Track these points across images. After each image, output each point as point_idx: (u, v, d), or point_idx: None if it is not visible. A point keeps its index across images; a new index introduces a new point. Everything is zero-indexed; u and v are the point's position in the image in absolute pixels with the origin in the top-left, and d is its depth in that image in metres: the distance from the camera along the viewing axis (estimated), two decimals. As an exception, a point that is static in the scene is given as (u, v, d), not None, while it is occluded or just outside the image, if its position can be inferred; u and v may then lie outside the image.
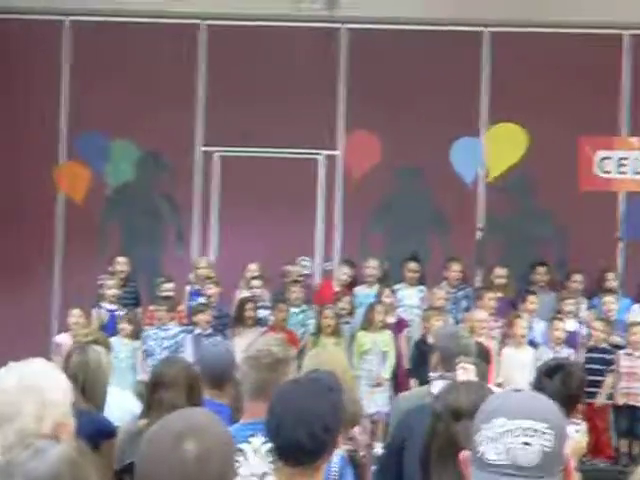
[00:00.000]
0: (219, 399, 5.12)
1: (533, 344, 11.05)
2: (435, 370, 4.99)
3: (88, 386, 4.97)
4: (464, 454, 2.20)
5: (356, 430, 5.54)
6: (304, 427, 3.04)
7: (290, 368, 3.99)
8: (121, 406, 5.37)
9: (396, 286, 11.86)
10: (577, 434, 4.70)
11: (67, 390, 3.13)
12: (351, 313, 11.62)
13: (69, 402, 3.08)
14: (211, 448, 2.16)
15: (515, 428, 2.08)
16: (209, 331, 11.12)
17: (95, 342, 5.89)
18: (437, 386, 4.46)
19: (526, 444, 2.07)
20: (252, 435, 3.83)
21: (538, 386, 4.71)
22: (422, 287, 11.96)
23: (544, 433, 2.09)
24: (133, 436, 4.68)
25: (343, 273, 12.05)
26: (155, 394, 4.74)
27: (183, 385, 4.70)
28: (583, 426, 5.04)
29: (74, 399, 4.74)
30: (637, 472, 3.78)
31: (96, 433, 4.69)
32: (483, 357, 6.76)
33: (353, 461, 4.82)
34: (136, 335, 11.21)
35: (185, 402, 4.63)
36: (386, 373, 11.06)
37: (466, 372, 4.41)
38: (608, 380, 10.85)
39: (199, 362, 5.89)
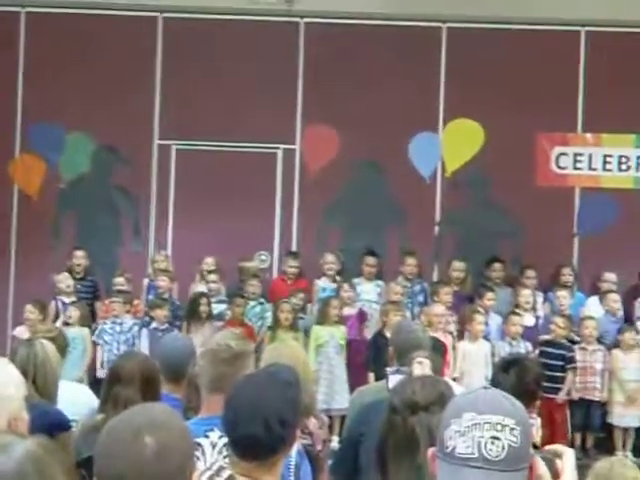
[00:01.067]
0: (176, 394, 5.10)
1: (487, 339, 11.12)
2: (391, 364, 5.00)
3: (38, 380, 4.94)
4: (431, 450, 2.22)
5: (314, 424, 5.54)
6: (260, 421, 3.03)
7: (248, 362, 3.99)
8: (74, 400, 5.34)
9: (354, 280, 11.88)
10: (532, 429, 4.73)
11: (20, 384, 3.11)
12: (304, 308, 11.64)
13: (22, 396, 3.07)
14: (170, 443, 2.16)
15: (484, 422, 2.13)
16: (165, 326, 11.09)
17: (54, 339, 5.87)
18: (393, 380, 4.48)
19: (494, 438, 2.12)
20: (210, 430, 3.82)
21: (495, 380, 4.74)
22: (379, 282, 11.99)
23: (512, 429, 2.14)
24: (90, 430, 4.66)
25: (289, 266, 12.05)
26: (111, 389, 4.73)
27: (139, 380, 4.68)
28: (537, 422, 5.09)
29: (27, 393, 4.73)
30: (601, 468, 3.83)
31: (50, 426, 4.65)
32: (439, 351, 6.81)
33: (310, 455, 4.82)
34: (86, 324, 11.11)
35: (141, 397, 4.61)
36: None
37: (422, 366, 4.43)
38: (569, 376, 10.91)
39: (158, 356, 5.87)
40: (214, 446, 3.80)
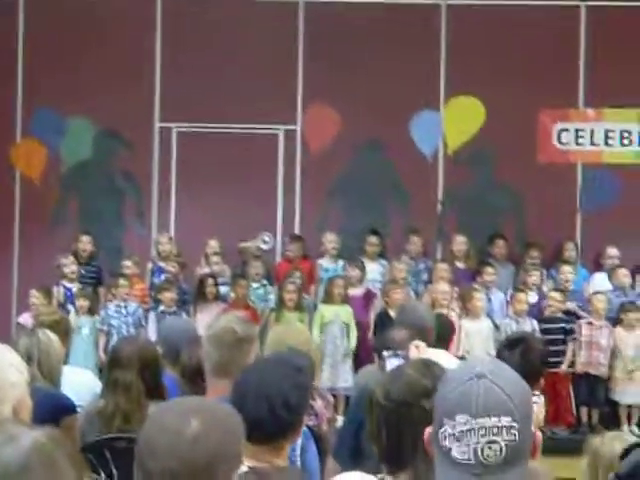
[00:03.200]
0: (174, 373, 5.13)
1: (490, 315, 11.14)
2: (399, 345, 4.97)
3: (42, 365, 4.97)
4: (427, 432, 2.19)
5: (319, 404, 5.55)
6: (265, 404, 3.05)
7: (253, 346, 3.99)
8: (78, 385, 5.37)
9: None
10: (535, 406, 4.74)
11: (23, 370, 3.13)
12: (306, 288, 11.63)
13: (25, 382, 3.09)
14: (211, 430, 2.17)
15: (479, 427, 2.06)
16: (173, 309, 11.11)
17: (57, 322, 5.91)
18: (391, 364, 4.46)
19: (491, 442, 2.06)
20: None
21: (499, 359, 4.73)
22: (383, 261, 11.99)
23: (510, 428, 2.07)
24: (92, 415, 4.68)
25: (290, 250, 12.06)
26: (111, 373, 4.75)
27: (138, 363, 4.70)
28: (541, 399, 5.09)
29: (31, 377, 4.76)
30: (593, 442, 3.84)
31: (55, 409, 4.69)
32: (447, 329, 6.80)
33: (315, 435, 4.83)
34: (93, 311, 11.16)
35: (140, 381, 4.63)
36: (351, 344, 11.06)
37: (419, 350, 4.43)
38: (569, 349, 10.97)
39: (160, 339, 5.90)
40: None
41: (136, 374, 4.72)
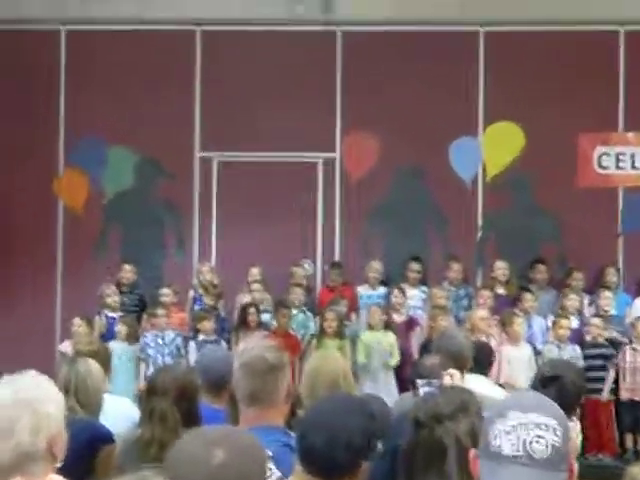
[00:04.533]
0: (217, 404, 5.14)
1: (531, 342, 11.07)
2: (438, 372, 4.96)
3: (80, 395, 5.02)
4: (472, 451, 2.26)
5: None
6: (326, 438, 3.04)
7: (284, 374, 4.00)
8: (117, 413, 5.41)
9: (401, 285, 11.88)
10: (572, 433, 4.71)
11: (60, 402, 3.15)
12: (348, 315, 11.65)
13: (62, 414, 3.11)
14: (235, 459, 2.20)
15: (529, 422, 2.18)
16: (213, 337, 11.15)
17: (95, 352, 5.96)
18: (423, 392, 4.47)
19: (539, 437, 2.16)
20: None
21: (533, 392, 4.71)
22: (424, 288, 11.98)
23: (555, 429, 2.19)
24: (129, 445, 4.71)
25: (332, 278, 12.10)
26: (148, 402, 4.78)
27: (174, 392, 4.71)
28: (577, 425, 5.06)
29: (69, 407, 4.81)
30: (632, 470, 3.82)
31: (93, 440, 4.73)
32: (486, 355, 6.77)
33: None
34: (134, 338, 11.23)
35: (176, 410, 4.65)
36: (392, 362, 11.00)
37: (452, 378, 4.43)
38: (610, 375, 10.88)
39: (198, 367, 5.92)
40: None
41: (172, 403, 4.74)
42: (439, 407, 2.97)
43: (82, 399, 5.06)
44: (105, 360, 5.98)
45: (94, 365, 5.33)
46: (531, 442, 2.17)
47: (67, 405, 4.92)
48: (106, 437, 4.90)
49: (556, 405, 2.26)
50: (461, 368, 4.93)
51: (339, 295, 11.79)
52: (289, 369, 4.12)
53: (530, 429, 2.17)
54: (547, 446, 2.17)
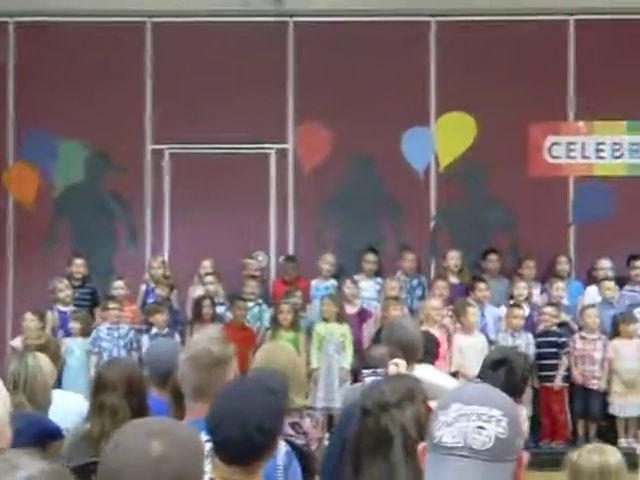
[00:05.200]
0: (164, 397, 5.12)
1: (484, 331, 11.14)
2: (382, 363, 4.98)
3: (28, 390, 4.98)
4: (421, 445, 2.24)
5: (308, 423, 5.55)
6: (238, 426, 3.07)
7: (230, 366, 3.99)
8: (67, 409, 5.37)
9: (354, 277, 11.90)
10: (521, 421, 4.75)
11: (5, 399, 3.12)
12: (303, 307, 11.65)
13: (6, 412, 3.07)
14: (174, 450, 2.19)
15: (471, 413, 2.14)
16: (166, 330, 11.11)
17: (44, 346, 5.91)
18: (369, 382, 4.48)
19: (480, 428, 2.12)
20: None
21: (482, 377, 4.76)
22: (379, 279, 12.00)
23: (499, 420, 2.14)
24: (78, 439, 4.68)
25: (287, 271, 12.08)
26: (96, 397, 4.75)
27: (123, 386, 4.70)
28: (524, 412, 5.11)
29: (18, 402, 4.76)
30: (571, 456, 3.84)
31: (40, 435, 4.69)
32: (431, 344, 6.79)
33: (304, 455, 4.83)
34: (88, 333, 11.18)
35: (126, 404, 4.63)
36: (346, 364, 11.05)
37: (398, 367, 4.44)
38: (563, 362, 10.98)
39: (146, 360, 5.90)
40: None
41: (122, 397, 4.72)
42: (384, 395, 2.97)
43: (31, 394, 5.02)
44: (54, 354, 5.93)
45: (44, 359, 5.30)
46: (472, 433, 2.13)
47: (16, 400, 4.92)
48: (54, 432, 4.86)
49: (503, 396, 2.22)
50: (411, 358, 4.94)
51: (293, 287, 11.78)
52: (236, 361, 4.11)
53: (472, 420, 2.13)
54: (489, 437, 2.13)
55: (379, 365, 4.56)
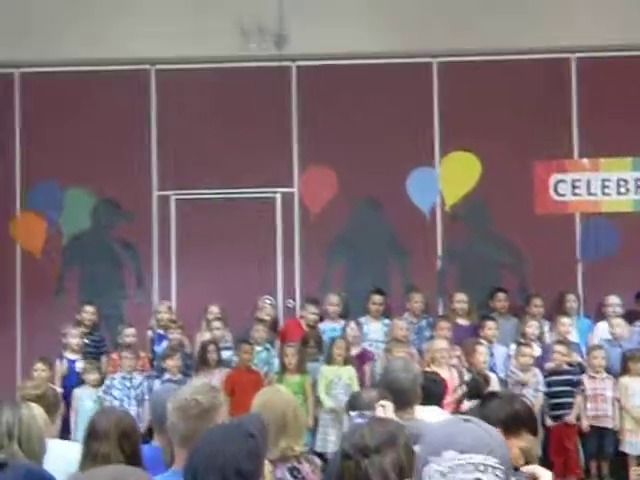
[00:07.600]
0: (160, 443, 5.12)
1: (494, 370, 11.06)
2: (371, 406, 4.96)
3: (23, 440, 4.96)
4: None
5: (306, 468, 5.52)
6: (216, 472, 3.05)
7: (219, 414, 3.97)
8: (64, 459, 5.34)
9: (361, 319, 11.86)
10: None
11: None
12: (320, 351, 11.57)
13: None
14: None
15: (466, 463, 2.09)
16: (178, 376, 11.05)
17: (39, 396, 5.89)
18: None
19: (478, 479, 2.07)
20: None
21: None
22: (386, 320, 11.94)
23: (495, 468, 2.10)
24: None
25: (311, 312, 12.00)
26: (89, 446, 4.73)
27: (115, 435, 4.68)
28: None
29: (13, 452, 4.74)
30: None
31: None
32: (437, 387, 6.76)
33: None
34: (100, 383, 11.15)
35: (119, 453, 4.61)
36: None
37: (384, 410, 4.41)
38: (577, 400, 10.87)
39: (149, 405, 5.89)
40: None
41: (115, 445, 4.70)
42: (364, 439, 2.94)
43: (25, 444, 5.00)
44: (52, 404, 5.90)
45: (37, 410, 5.28)
46: None
47: (10, 450, 4.90)
48: (46, 482, 4.83)
49: (494, 434, 2.16)
50: (401, 402, 4.90)
51: (310, 332, 11.66)
52: (226, 408, 4.10)
53: (468, 471, 2.08)
54: None
55: (368, 408, 4.53)
